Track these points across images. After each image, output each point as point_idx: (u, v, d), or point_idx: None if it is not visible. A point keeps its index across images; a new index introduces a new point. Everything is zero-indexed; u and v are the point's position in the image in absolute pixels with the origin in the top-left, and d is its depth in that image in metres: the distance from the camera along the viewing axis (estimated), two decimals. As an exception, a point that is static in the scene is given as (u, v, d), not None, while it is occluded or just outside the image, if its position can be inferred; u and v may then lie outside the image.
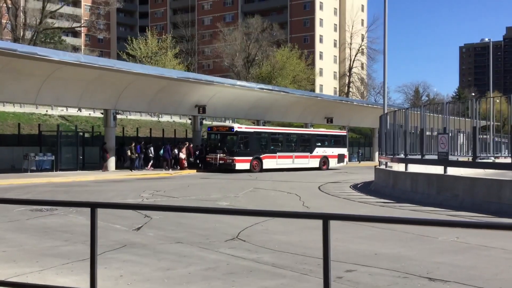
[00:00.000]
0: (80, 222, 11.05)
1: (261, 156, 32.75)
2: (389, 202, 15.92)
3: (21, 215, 11.90)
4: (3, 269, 6.71)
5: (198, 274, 6.66)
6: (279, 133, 36.01)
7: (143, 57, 56.20)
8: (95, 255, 3.71)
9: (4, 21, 54.72)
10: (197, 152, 33.52)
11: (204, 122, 41.16)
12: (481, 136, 18.52)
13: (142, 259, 7.47)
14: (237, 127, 32.48)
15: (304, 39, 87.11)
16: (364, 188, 21.23)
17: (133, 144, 30.99)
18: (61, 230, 10.02)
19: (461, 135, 20.26)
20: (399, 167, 20.11)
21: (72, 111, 42.41)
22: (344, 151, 39.24)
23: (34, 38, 52.32)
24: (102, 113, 34.36)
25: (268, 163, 33.04)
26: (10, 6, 51.31)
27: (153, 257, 7.66)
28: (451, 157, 16.66)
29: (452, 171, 16.65)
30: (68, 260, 7.28)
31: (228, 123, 48.59)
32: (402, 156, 19.58)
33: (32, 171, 27.33)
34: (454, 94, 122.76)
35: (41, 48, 28.75)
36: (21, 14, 52.81)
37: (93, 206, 3.79)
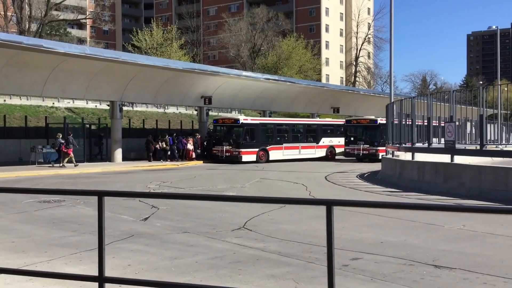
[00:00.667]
0: (88, 213, 11.14)
1: (267, 147, 32.75)
2: (395, 191, 15.92)
3: (29, 206, 12.01)
4: (13, 259, 6.79)
5: (205, 263, 6.71)
6: (285, 124, 36.01)
7: (149, 48, 56.19)
8: (103, 242, 3.75)
9: (9, 13, 54.77)
10: (204, 143, 33.67)
11: (210, 113, 41.22)
12: (489, 125, 18.45)
13: (149, 249, 7.54)
14: (242, 119, 32.12)
15: (310, 29, 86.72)
16: (371, 177, 21.22)
17: (167, 136, 32.17)
18: (69, 221, 10.11)
19: (469, 123, 20.17)
20: (406, 156, 20.08)
21: (79, 103, 42.51)
22: None
23: (40, 30, 52.42)
24: (108, 105, 34.44)
25: (274, 154, 33.09)
26: (15, -2, 51.35)
27: (160, 246, 7.72)
28: (458, 146, 16.61)
29: (459, 159, 16.62)
30: (76, 250, 7.35)
31: (234, 114, 48.59)
32: (408, 145, 19.54)
33: (39, 163, 27.48)
34: (462, 83, 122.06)
35: (46, 41, 28.80)
36: (26, 6, 52.86)
37: (100, 195, 3.83)
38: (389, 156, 22.21)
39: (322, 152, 36.34)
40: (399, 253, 7.24)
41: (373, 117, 35.02)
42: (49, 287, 5.52)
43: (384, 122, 30.49)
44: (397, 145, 20.90)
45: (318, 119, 43.32)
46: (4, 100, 37.76)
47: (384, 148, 29.66)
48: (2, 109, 35.24)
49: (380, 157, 29.72)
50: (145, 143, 32.14)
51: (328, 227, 3.34)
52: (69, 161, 26.34)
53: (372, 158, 32.79)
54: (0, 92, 27.46)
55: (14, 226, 9.62)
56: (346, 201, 3.60)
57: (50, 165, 26.73)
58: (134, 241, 8.05)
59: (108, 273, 4.11)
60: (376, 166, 25.57)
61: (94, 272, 4.37)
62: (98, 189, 5.49)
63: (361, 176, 21.80)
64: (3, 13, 53.58)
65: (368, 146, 33.15)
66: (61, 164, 26.23)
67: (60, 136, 26.76)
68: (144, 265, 6.60)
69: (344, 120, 38.98)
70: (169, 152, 31.77)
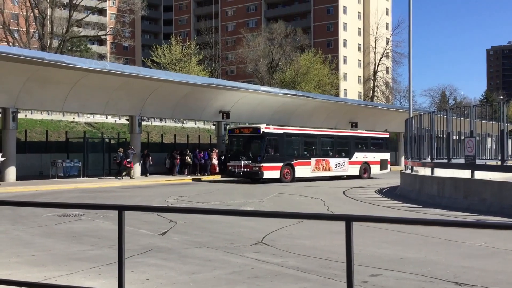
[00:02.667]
0: (107, 227, 11.21)
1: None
2: (415, 207, 15.75)
3: (49, 220, 12.13)
4: (33, 273, 6.85)
5: (223, 278, 6.69)
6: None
7: (168, 64, 56.74)
8: (122, 256, 3.78)
9: (31, 30, 55.88)
10: (222, 158, 33.72)
11: (228, 127, 41.23)
12: (510, 140, 18.21)
13: (167, 263, 7.55)
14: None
15: (327, 44, 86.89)
16: (390, 193, 21.04)
17: (188, 151, 32.83)
18: (88, 234, 10.18)
19: (489, 138, 19.94)
20: (425, 172, 19.88)
21: (98, 118, 43.02)
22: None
23: (61, 46, 53.30)
24: (127, 120, 34.79)
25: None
26: (37, 15, 52.41)
27: (179, 261, 7.72)
28: (478, 161, 16.41)
29: (479, 175, 16.40)
30: (95, 264, 7.39)
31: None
32: (428, 160, 19.36)
33: (59, 177, 27.79)
34: (482, 98, 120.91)
35: (68, 56, 29.29)
36: (48, 23, 53.87)
37: (120, 209, 3.87)
38: (408, 171, 22.02)
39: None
40: (419, 269, 7.14)
41: (258, 124, 28.76)
42: (68, 301, 5.55)
43: (273, 131, 27.61)
44: (417, 160, 20.72)
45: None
46: (26, 115, 38.38)
47: (273, 164, 26.73)
48: (23, 124, 35.79)
49: (264, 177, 26.54)
50: (169, 157, 32.74)
51: (347, 243, 3.32)
52: (127, 174, 28.20)
53: (254, 178, 27.25)
54: (22, 107, 27.91)
55: (34, 239, 9.71)
56: (365, 216, 3.58)
57: (114, 177, 28.60)
58: (153, 256, 8.07)
59: (127, 287, 4.13)
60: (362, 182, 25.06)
61: (114, 286, 4.39)
62: (118, 204, 5.53)
63: (380, 192, 21.63)
64: (26, 29, 54.68)
65: (249, 162, 26.97)
66: (121, 177, 28.09)
67: (122, 151, 28.63)
68: (162, 279, 6.61)
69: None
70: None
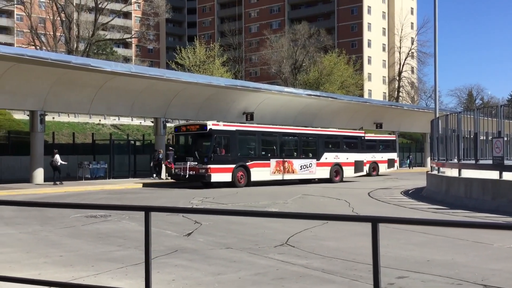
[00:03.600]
0: (133, 228, 11.33)
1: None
2: (441, 208, 15.53)
3: (77, 221, 12.32)
4: (61, 273, 6.96)
5: (248, 279, 6.70)
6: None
7: (192, 66, 57.10)
8: (149, 257, 3.82)
9: (58, 34, 56.87)
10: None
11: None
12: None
13: (193, 264, 7.59)
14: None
15: (352, 44, 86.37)
16: (416, 194, 20.80)
17: None
18: (114, 235, 10.30)
19: (518, 139, 19.55)
20: (452, 173, 19.60)
21: (124, 120, 43.53)
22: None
23: (87, 49, 54.13)
24: (152, 122, 35.12)
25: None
26: (64, 19, 53.34)
27: (204, 262, 7.76)
28: (507, 162, 16.11)
29: (508, 176, 16.10)
30: (122, 265, 7.47)
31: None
32: (455, 161, 19.08)
33: (86, 178, 28.21)
34: (510, 97, 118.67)
35: (94, 60, 29.74)
36: (75, 27, 54.78)
37: (147, 210, 3.91)
38: (435, 172, 21.74)
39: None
40: (446, 272, 7.05)
41: (205, 121, 25.42)
42: (96, 301, 5.62)
43: (223, 128, 24.60)
44: (443, 161, 20.44)
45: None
46: (53, 118, 39.05)
47: (223, 166, 23.84)
48: (51, 126, 36.40)
49: (212, 180, 23.60)
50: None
51: (373, 245, 3.30)
52: (169, 174, 28.76)
53: (201, 181, 24.30)
54: (49, 109, 28.40)
55: (62, 240, 9.87)
56: (391, 218, 3.54)
57: (152, 177, 29.32)
58: (178, 256, 8.12)
59: (153, 287, 4.17)
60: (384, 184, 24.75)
61: (140, 287, 4.44)
62: (144, 205, 5.59)
63: (406, 193, 21.40)
64: (53, 33, 55.68)
65: (196, 164, 23.98)
66: (161, 177, 29.16)
67: (161, 152, 29.52)
68: (188, 280, 6.65)
69: (389, 135, 37.02)
70: None
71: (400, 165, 49.01)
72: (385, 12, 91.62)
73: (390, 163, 37.84)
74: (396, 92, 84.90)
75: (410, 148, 57.50)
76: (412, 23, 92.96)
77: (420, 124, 48.93)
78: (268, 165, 26.13)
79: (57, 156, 25.11)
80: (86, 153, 33.08)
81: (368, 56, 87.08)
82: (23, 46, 59.48)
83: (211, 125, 24.08)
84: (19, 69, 23.88)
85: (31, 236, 10.39)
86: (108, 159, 30.15)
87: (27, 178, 26.84)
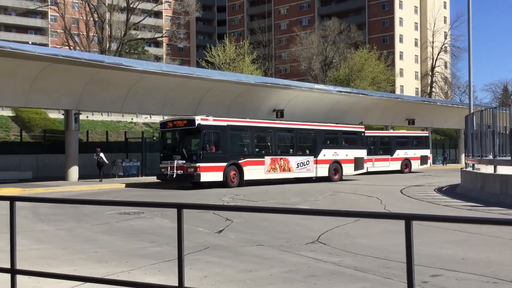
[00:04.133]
0: (165, 224, 11.47)
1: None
2: (476, 205, 15.24)
3: (111, 218, 12.53)
4: (96, 269, 7.10)
5: (280, 276, 6.71)
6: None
7: (222, 63, 57.36)
8: (182, 253, 3.86)
9: (91, 34, 57.86)
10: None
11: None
12: None
13: (224, 261, 7.64)
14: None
15: (383, 40, 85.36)
16: (450, 191, 20.46)
17: None
18: (147, 232, 10.45)
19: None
20: (487, 169, 19.20)
21: (155, 118, 44.02)
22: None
23: (119, 49, 54.92)
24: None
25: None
26: (96, 19, 54.23)
27: (235, 259, 7.80)
28: (544, 158, 15.70)
29: (545, 172, 15.69)
30: (155, 261, 7.58)
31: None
32: (490, 157, 18.68)
33: (119, 176, 28.66)
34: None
35: (126, 59, 30.18)
36: (107, 26, 55.63)
37: (179, 207, 3.95)
38: (469, 169, 21.34)
39: (397, 165, 34.78)
40: (481, 270, 6.92)
41: (193, 116, 23.34)
42: (130, 296, 5.72)
43: (213, 123, 22.50)
44: (478, 157, 20.04)
45: (392, 130, 42.11)
46: (87, 116, 39.79)
47: (213, 164, 22.04)
48: (85, 125, 37.10)
49: (201, 180, 21.75)
50: None
51: (407, 243, 3.26)
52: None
53: (191, 181, 22.58)
54: (83, 108, 28.93)
55: (97, 236, 10.06)
56: (425, 215, 3.50)
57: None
58: (210, 253, 8.19)
59: (186, 283, 4.21)
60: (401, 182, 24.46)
61: (173, 283, 4.49)
62: (177, 202, 5.66)
63: (439, 190, 21.07)
64: (86, 33, 56.68)
65: (184, 162, 22.11)
66: None
67: None
68: (219, 276, 6.70)
69: (422, 131, 36.62)
70: None
71: (433, 162, 48.29)
72: (417, 7, 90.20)
73: (423, 160, 37.29)
74: (429, 88, 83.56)
75: (444, 144, 56.54)
76: (445, 17, 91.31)
77: (454, 120, 48.07)
78: (263, 163, 24.30)
79: (102, 155, 26.00)
80: (119, 151, 33.61)
81: (400, 52, 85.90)
82: (57, 46, 60.75)
83: (199, 120, 22.23)
84: (53, 69, 24.40)
85: (67, 232, 10.62)
86: (140, 157, 30.56)
87: (62, 176, 27.42)
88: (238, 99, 32.73)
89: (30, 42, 56.10)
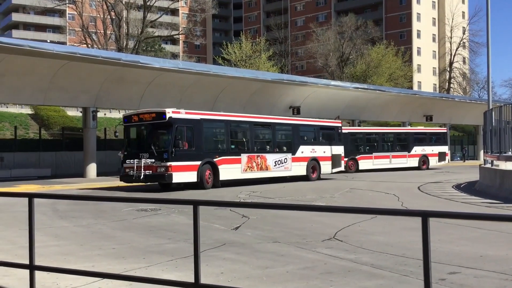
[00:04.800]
0: (182, 221, 11.52)
1: (356, 157, 28.29)
2: (495, 202, 15.07)
3: (128, 214, 12.63)
4: (114, 265, 7.17)
5: (296, 273, 6.71)
6: (374, 133, 30.79)
7: (238, 60, 57.39)
8: (198, 250, 3.88)
9: (109, 32, 58.28)
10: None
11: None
12: None
13: (241, 258, 7.65)
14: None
15: (400, 35, 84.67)
16: (468, 188, 20.25)
17: None
18: (164, 229, 10.51)
19: None
20: (506, 166, 18.96)
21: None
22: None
23: (136, 47, 55.26)
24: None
25: (364, 163, 29.20)
26: (114, 17, 54.62)
27: (252, 255, 7.81)
28: None
29: None
30: (172, 257, 7.62)
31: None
32: (509, 153, 18.45)
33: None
34: None
35: (143, 57, 30.34)
36: (124, 24, 55.98)
37: (195, 204, 3.97)
38: (488, 165, 21.10)
39: (414, 162, 34.60)
40: (500, 267, 6.84)
41: (163, 109, 20.18)
42: (147, 292, 5.76)
43: (185, 116, 19.87)
44: (497, 154, 19.81)
45: (409, 127, 41.83)
46: (105, 114, 40.11)
47: (186, 163, 19.61)
48: (102, 122, 37.41)
49: (173, 180, 19.36)
50: None
51: (424, 240, 3.24)
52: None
53: (162, 182, 20.16)
54: (101, 106, 29.21)
55: (114, 233, 10.15)
56: (442, 212, 3.47)
57: None
58: (226, 250, 8.21)
59: (202, 280, 4.23)
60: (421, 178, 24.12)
61: (190, 279, 4.52)
62: (193, 199, 5.68)
63: (457, 187, 20.87)
64: (103, 31, 57.11)
65: (153, 161, 19.34)
66: None
67: None
68: (236, 273, 6.72)
69: (440, 127, 36.47)
70: None
71: (452, 158, 47.82)
72: (434, 2, 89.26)
73: (441, 156, 36.96)
74: (447, 84, 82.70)
75: (462, 141, 55.95)
76: (463, 12, 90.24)
77: (473, 116, 47.55)
78: (239, 161, 22.08)
79: None
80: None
81: (418, 47, 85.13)
82: (75, 44, 61.32)
83: (171, 112, 19.54)
84: (72, 67, 24.64)
85: (85, 229, 10.73)
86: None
87: (80, 173, 27.70)
88: (254, 96, 32.74)
89: (49, 41, 56.71)
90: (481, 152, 43.57)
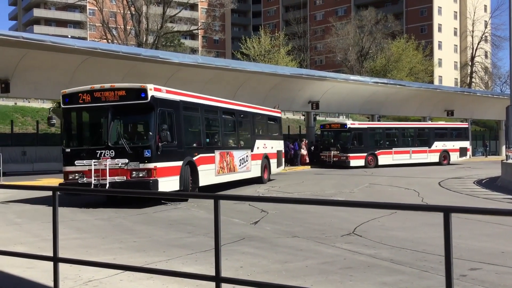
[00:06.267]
0: (201, 215, 11.59)
1: (376, 152, 31.36)
2: (517, 198, 14.87)
3: (149, 208, 12.74)
4: (135, 258, 7.26)
5: (315, 268, 6.72)
6: (394, 128, 34.57)
7: (257, 55, 57.32)
8: (219, 244, 3.91)
9: (128, 27, 58.65)
10: (312, 148, 33.85)
11: (318, 118, 41.06)
12: None
13: (260, 252, 7.69)
14: (350, 123, 31.17)
15: (421, 29, 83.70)
16: (490, 184, 20.00)
17: None
18: (184, 223, 10.59)
19: None
20: (529, 161, 18.69)
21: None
22: (466, 144, 36.73)
23: (156, 42, 55.54)
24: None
25: (383, 159, 31.66)
26: (133, 13, 54.95)
27: (271, 250, 7.84)
28: None
29: None
30: (192, 251, 7.69)
31: (341, 118, 48.11)
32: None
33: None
34: None
35: (162, 52, 30.49)
36: (144, 20, 56.30)
37: (216, 198, 4.00)
38: (510, 161, 20.80)
39: (435, 157, 34.63)
40: (523, 265, 6.77)
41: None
42: (168, 285, 5.83)
43: (167, 96, 13.82)
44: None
45: (429, 122, 41.53)
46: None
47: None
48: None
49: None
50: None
51: (446, 235, 3.22)
52: None
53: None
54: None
55: (135, 227, 10.26)
56: (464, 208, 3.44)
57: None
58: (245, 244, 8.25)
59: (222, 273, 4.27)
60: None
61: (210, 272, 4.55)
62: (213, 193, 5.72)
63: (479, 183, 20.62)
64: (123, 27, 57.49)
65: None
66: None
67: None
68: (255, 267, 6.75)
69: (461, 122, 36.50)
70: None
71: (473, 154, 47.24)
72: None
73: (462, 151, 36.49)
74: (468, 78, 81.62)
75: (484, 136, 55.20)
76: (485, 6, 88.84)
77: (495, 111, 46.86)
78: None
79: None
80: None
81: (439, 41, 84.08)
82: (95, 40, 61.82)
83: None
84: (92, 62, 24.87)
85: (107, 222, 10.86)
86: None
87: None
88: (273, 90, 32.69)
89: (70, 36, 57.26)
90: (503, 148, 42.97)
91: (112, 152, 13.05)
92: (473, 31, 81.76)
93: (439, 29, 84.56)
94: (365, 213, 10.96)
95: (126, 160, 12.95)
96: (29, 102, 41.27)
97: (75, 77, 25.37)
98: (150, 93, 13.19)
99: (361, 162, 30.74)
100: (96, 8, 60.38)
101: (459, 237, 8.38)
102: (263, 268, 6.72)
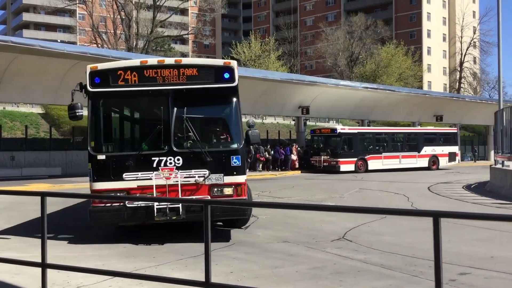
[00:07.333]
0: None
1: (366, 157, 31.54)
2: (506, 203, 14.97)
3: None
4: (124, 263, 7.21)
5: (306, 273, 6.71)
6: (384, 133, 34.76)
7: (247, 60, 57.37)
8: (209, 249, 3.90)
9: (118, 31, 58.47)
10: (301, 151, 33.96)
11: (308, 122, 41.10)
12: None
13: (250, 257, 7.67)
14: (340, 128, 31.38)
15: (410, 35, 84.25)
16: (478, 188, 20.12)
17: (268, 146, 33.26)
18: (174, 228, 10.52)
19: None
20: (517, 166, 18.83)
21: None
22: (455, 149, 36.73)
23: (146, 47, 55.41)
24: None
25: (373, 164, 31.77)
26: (123, 17, 54.80)
27: (261, 255, 7.83)
28: None
29: None
30: (182, 256, 7.65)
31: (332, 123, 48.26)
32: (520, 154, 18.31)
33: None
34: None
35: (152, 56, 30.37)
36: (134, 24, 56.16)
37: (206, 203, 3.99)
38: (499, 166, 20.95)
39: (424, 162, 34.77)
40: (511, 268, 6.80)
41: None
42: (157, 291, 5.79)
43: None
44: (508, 154, 19.66)
45: (419, 127, 41.77)
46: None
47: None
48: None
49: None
50: (248, 152, 33.22)
51: (435, 240, 3.23)
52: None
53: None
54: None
55: (126, 232, 10.18)
56: (454, 213, 3.46)
57: None
58: (236, 249, 8.23)
59: (212, 279, 4.25)
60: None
61: (200, 278, 4.53)
62: (203, 199, 5.71)
63: (468, 187, 20.74)
64: (113, 31, 57.32)
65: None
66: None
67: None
68: (245, 272, 6.73)
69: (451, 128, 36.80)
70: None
71: (462, 159, 47.54)
72: (445, 1, 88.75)
73: (451, 156, 36.72)
74: (457, 84, 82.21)
75: (473, 141, 55.59)
76: (474, 12, 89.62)
77: (483, 116, 47.21)
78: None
79: None
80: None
81: (428, 47, 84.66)
82: (85, 44, 61.60)
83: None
84: (82, 67, 24.69)
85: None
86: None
87: (90, 172, 27.76)
88: (263, 95, 32.72)
89: (59, 40, 57.05)
90: (492, 153, 43.26)
91: (178, 160, 8.73)
92: (462, 37, 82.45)
93: (428, 35, 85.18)
94: (355, 218, 10.97)
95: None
96: (18, 106, 40.97)
97: (64, 81, 25.23)
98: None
99: (351, 167, 30.85)
100: (86, 13, 60.11)
101: (448, 241, 8.41)
102: (253, 273, 6.71)
